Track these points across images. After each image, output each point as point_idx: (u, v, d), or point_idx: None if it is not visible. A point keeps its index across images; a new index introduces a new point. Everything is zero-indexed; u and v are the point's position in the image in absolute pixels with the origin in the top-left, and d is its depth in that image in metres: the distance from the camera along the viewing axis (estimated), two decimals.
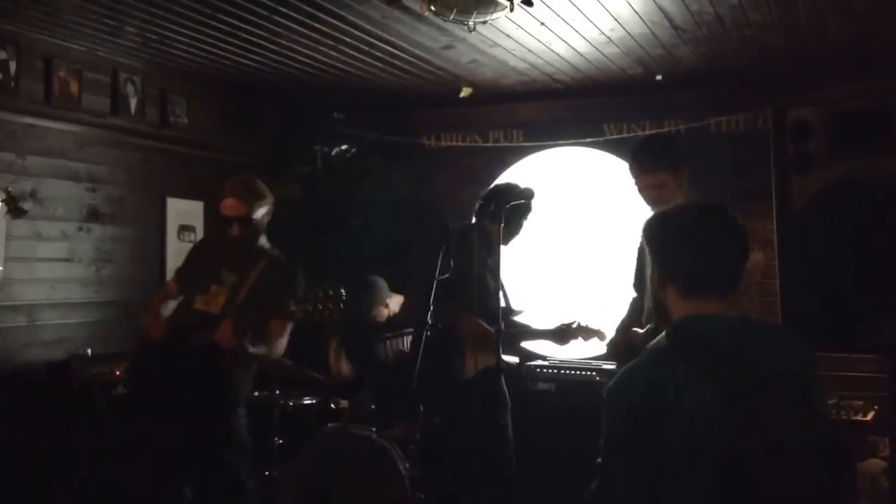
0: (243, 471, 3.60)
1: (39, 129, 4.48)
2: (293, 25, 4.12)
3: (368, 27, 4.17)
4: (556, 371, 5.03)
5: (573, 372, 5.07)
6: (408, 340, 4.96)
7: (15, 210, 4.16)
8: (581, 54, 4.73)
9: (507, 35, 4.32)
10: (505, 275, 3.99)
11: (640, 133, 5.55)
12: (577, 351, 4.59)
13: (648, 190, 3.23)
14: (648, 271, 3.01)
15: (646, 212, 3.17)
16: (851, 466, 3.98)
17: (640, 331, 3.47)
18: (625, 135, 5.59)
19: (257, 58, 4.74)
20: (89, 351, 4.48)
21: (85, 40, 4.50)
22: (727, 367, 1.65)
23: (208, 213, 5.40)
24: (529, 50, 4.62)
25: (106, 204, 4.87)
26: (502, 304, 4.21)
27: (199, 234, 5.39)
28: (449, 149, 6.23)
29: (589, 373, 4.92)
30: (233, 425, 3.56)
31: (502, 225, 3.75)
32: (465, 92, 5.45)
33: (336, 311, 3.33)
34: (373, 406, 4.37)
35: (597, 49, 4.61)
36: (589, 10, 3.91)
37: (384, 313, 5.05)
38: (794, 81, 4.93)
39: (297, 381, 4.65)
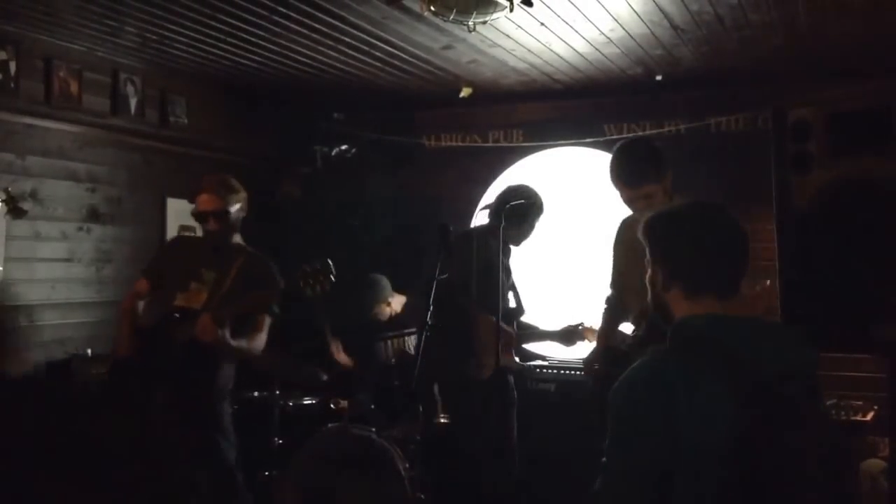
0: (232, 460, 3.62)
1: (39, 130, 4.48)
2: (293, 25, 4.12)
3: (368, 27, 4.17)
4: (555, 371, 5.03)
5: (573, 372, 5.07)
6: (408, 340, 4.97)
7: (15, 210, 4.15)
8: (581, 54, 4.73)
9: (507, 35, 4.32)
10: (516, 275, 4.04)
11: (640, 133, 5.55)
12: (578, 351, 4.59)
13: (636, 202, 3.20)
14: (640, 271, 2.96)
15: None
16: (854, 466, 3.99)
17: (625, 331, 3.47)
18: (625, 135, 5.59)
19: (257, 58, 4.75)
20: (89, 351, 4.48)
21: (85, 40, 4.50)
22: (735, 367, 1.65)
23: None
24: (529, 50, 4.62)
25: (106, 204, 4.87)
26: (512, 304, 4.25)
27: (199, 234, 5.39)
28: (449, 149, 6.23)
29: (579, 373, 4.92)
30: (221, 416, 3.60)
31: (502, 225, 3.76)
32: (465, 92, 5.45)
33: (327, 283, 3.37)
34: (373, 406, 4.37)
35: (597, 49, 4.61)
36: (589, 10, 3.91)
37: (386, 312, 5.05)
38: (794, 81, 4.93)
39: (296, 378, 4.65)
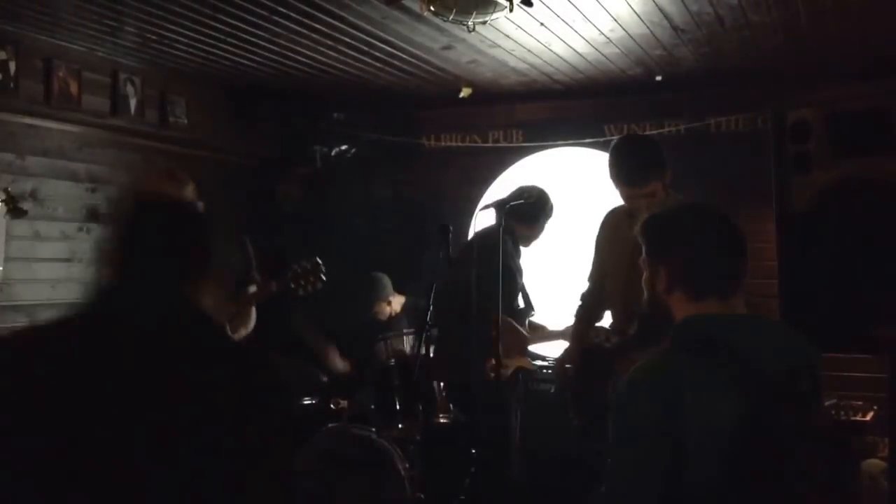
0: None
1: (39, 130, 4.48)
2: (293, 26, 4.12)
3: (368, 27, 4.17)
4: (548, 371, 5.02)
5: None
6: (407, 341, 4.97)
7: (15, 210, 4.15)
8: (581, 55, 4.73)
9: (507, 35, 4.32)
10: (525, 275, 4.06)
11: (640, 133, 5.55)
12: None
13: (637, 200, 3.15)
14: (626, 264, 2.92)
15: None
16: (856, 465, 3.99)
17: (604, 325, 3.42)
18: (615, 139, 5.59)
19: (257, 58, 4.74)
20: None
21: (85, 41, 4.50)
22: (741, 366, 1.65)
23: (208, 214, 5.38)
24: (529, 50, 4.62)
25: (106, 204, 4.87)
26: (521, 304, 4.27)
27: None
28: (448, 149, 6.23)
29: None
30: None
31: (502, 225, 3.76)
32: (465, 92, 5.45)
33: (318, 283, 3.34)
34: (373, 406, 4.37)
35: (596, 49, 4.61)
36: (588, 10, 3.91)
37: (386, 311, 5.05)
38: (794, 81, 4.93)
39: (295, 379, 4.65)
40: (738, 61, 4.79)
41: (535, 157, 5.92)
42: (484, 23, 3.42)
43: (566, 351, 3.68)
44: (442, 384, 4.13)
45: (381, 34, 4.29)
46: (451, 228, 3.63)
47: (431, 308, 3.56)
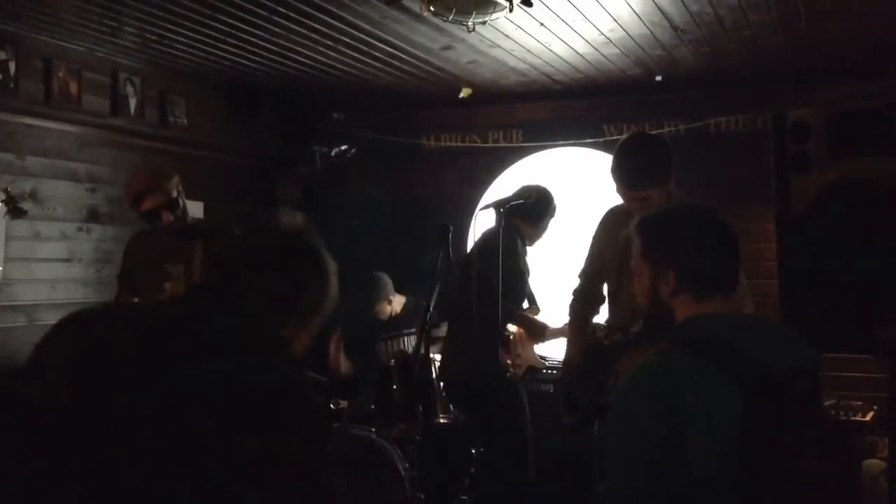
0: None
1: (39, 130, 4.48)
2: (292, 26, 4.12)
3: (368, 27, 4.17)
4: (555, 371, 5.02)
5: None
6: (407, 341, 4.97)
7: (14, 210, 4.15)
8: (580, 55, 4.73)
9: (507, 35, 4.32)
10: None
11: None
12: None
13: (632, 202, 3.09)
14: (621, 262, 2.89)
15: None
16: (856, 465, 3.99)
17: (600, 322, 3.41)
18: (625, 135, 5.59)
19: (257, 58, 4.74)
20: None
21: (84, 41, 4.50)
22: (742, 367, 1.65)
23: (208, 214, 5.39)
24: (529, 50, 4.62)
25: (105, 204, 4.87)
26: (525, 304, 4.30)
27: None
28: (448, 149, 6.23)
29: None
30: None
31: (502, 225, 3.77)
32: (465, 92, 5.45)
33: None
34: (373, 406, 4.37)
35: (596, 50, 4.61)
36: (588, 10, 3.91)
37: (387, 310, 5.06)
38: (793, 81, 4.93)
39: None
40: (738, 61, 4.79)
41: (534, 157, 5.93)
42: (484, 23, 3.42)
43: (570, 350, 3.64)
44: (442, 384, 4.13)
45: (381, 34, 4.29)
46: (451, 228, 3.62)
47: (432, 309, 3.55)
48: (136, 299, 3.67)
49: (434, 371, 4.17)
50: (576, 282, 3.59)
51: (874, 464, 4.11)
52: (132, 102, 4.99)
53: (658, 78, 5.13)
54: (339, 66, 4.91)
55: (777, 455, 1.65)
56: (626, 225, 2.89)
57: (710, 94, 5.38)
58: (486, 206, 3.87)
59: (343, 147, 5.92)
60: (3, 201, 4.05)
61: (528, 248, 4.33)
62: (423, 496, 3.81)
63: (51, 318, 4.49)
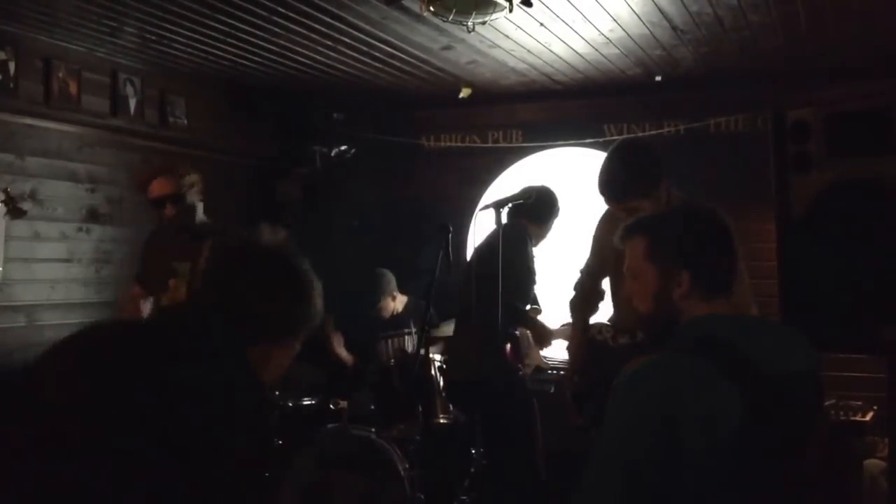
0: None
1: (39, 130, 4.48)
2: (292, 26, 4.12)
3: (367, 27, 4.17)
4: (554, 372, 5.03)
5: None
6: (408, 340, 4.98)
7: (14, 211, 4.14)
8: (580, 55, 4.73)
9: (507, 36, 4.32)
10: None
11: (639, 133, 5.56)
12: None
13: (621, 213, 3.06)
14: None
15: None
16: (856, 465, 3.99)
17: (604, 322, 3.40)
18: (624, 135, 5.60)
19: (256, 58, 4.74)
20: None
21: (84, 41, 4.50)
22: (743, 368, 1.64)
23: (208, 214, 5.38)
24: (529, 51, 4.62)
25: (105, 204, 4.87)
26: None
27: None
28: (448, 149, 6.23)
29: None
30: None
31: (501, 224, 3.77)
32: (465, 92, 5.45)
33: None
34: (372, 406, 4.37)
35: (596, 50, 4.61)
36: (588, 10, 3.91)
37: (390, 307, 5.06)
38: (793, 81, 4.94)
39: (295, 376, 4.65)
40: (737, 61, 4.79)
41: (534, 157, 5.93)
42: (483, 23, 3.42)
43: (577, 352, 3.63)
44: (442, 383, 4.13)
45: (381, 34, 4.29)
46: (450, 228, 3.63)
47: (432, 309, 3.56)
48: (150, 298, 3.66)
49: (434, 371, 4.17)
50: (578, 275, 3.58)
51: (874, 464, 4.11)
52: (132, 102, 4.99)
53: (658, 78, 5.13)
54: (339, 66, 4.91)
55: (777, 456, 1.64)
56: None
57: (710, 94, 5.38)
58: (486, 206, 3.88)
59: (343, 147, 5.92)
60: (2, 201, 4.05)
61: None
62: (422, 496, 3.81)
63: (50, 319, 4.50)
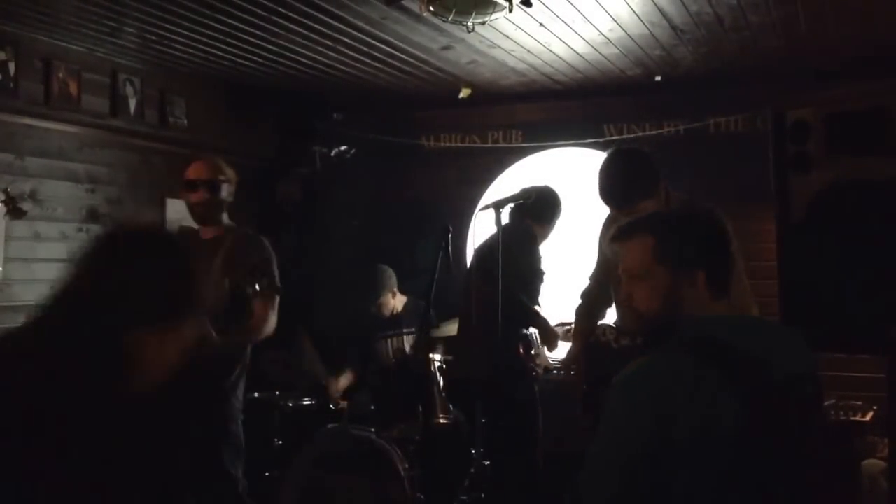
0: (237, 471, 3.47)
1: (39, 130, 4.48)
2: (292, 26, 4.12)
3: (367, 28, 4.17)
4: (554, 371, 5.02)
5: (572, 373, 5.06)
6: (407, 340, 4.98)
7: (14, 211, 4.15)
8: (580, 55, 4.73)
9: (506, 36, 4.32)
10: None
11: (639, 133, 5.56)
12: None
13: (627, 218, 3.08)
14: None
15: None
16: (856, 465, 3.99)
17: (609, 323, 3.41)
18: (624, 136, 5.60)
19: (256, 58, 4.75)
20: None
21: (84, 41, 4.50)
22: (743, 368, 1.64)
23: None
24: (528, 51, 4.62)
25: (105, 205, 4.87)
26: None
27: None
28: (448, 149, 6.23)
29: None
30: (229, 426, 3.42)
31: (502, 224, 3.78)
32: (465, 92, 5.45)
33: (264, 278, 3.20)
34: (372, 406, 4.37)
35: (596, 50, 4.61)
36: (588, 10, 3.91)
37: (391, 304, 5.06)
38: (793, 81, 4.94)
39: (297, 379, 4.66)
40: (737, 61, 4.80)
41: (534, 157, 5.92)
42: (483, 23, 3.42)
43: (570, 351, 3.67)
44: (442, 382, 4.13)
45: (381, 34, 4.29)
46: (450, 229, 3.63)
47: (431, 309, 3.57)
48: None
49: (434, 371, 4.17)
50: (586, 283, 3.61)
51: (874, 464, 4.11)
52: (132, 103, 4.99)
53: (658, 78, 5.13)
54: (338, 66, 4.91)
55: (776, 456, 1.64)
56: None
57: (710, 94, 5.38)
58: (486, 207, 3.88)
59: (343, 147, 5.92)
60: (2, 202, 4.06)
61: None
62: (422, 496, 3.81)
63: None
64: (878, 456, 4.16)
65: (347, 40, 4.38)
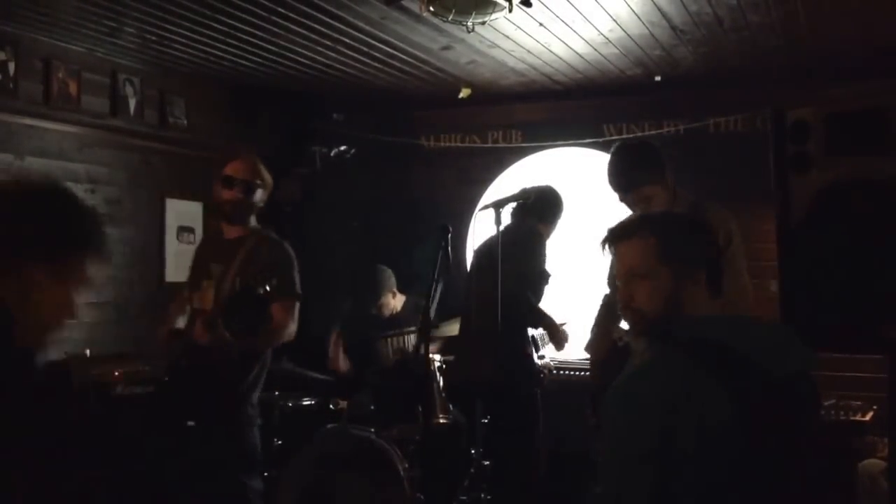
0: (251, 479, 3.41)
1: (38, 130, 4.47)
2: (292, 26, 4.12)
3: (367, 28, 4.17)
4: (554, 371, 5.03)
5: (571, 372, 5.07)
6: (407, 339, 4.97)
7: None
8: (580, 55, 4.73)
9: (506, 36, 4.32)
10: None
11: (639, 134, 5.55)
12: (577, 350, 4.59)
13: (636, 204, 3.14)
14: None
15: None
16: (856, 465, 3.99)
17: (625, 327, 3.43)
18: (624, 135, 5.60)
19: (256, 58, 4.75)
20: (87, 352, 4.47)
21: (84, 41, 4.50)
22: (740, 368, 1.64)
23: (207, 215, 5.39)
24: (528, 51, 4.62)
25: (105, 205, 4.86)
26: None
27: (199, 236, 5.38)
28: (448, 149, 6.23)
29: (588, 373, 4.91)
30: (244, 431, 3.35)
31: (502, 224, 3.78)
32: (464, 93, 5.45)
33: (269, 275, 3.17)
34: (372, 407, 4.37)
35: (595, 50, 4.61)
36: (588, 10, 3.91)
37: (391, 304, 5.07)
38: (793, 81, 4.94)
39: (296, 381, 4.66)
40: (737, 61, 4.80)
41: (534, 157, 5.92)
42: (483, 23, 3.42)
43: (592, 354, 3.63)
44: (442, 384, 4.13)
45: (381, 34, 4.29)
46: (450, 229, 3.63)
47: (432, 309, 3.56)
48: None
49: (434, 371, 4.17)
50: (607, 289, 3.62)
51: (874, 464, 4.10)
52: (132, 103, 4.98)
53: (657, 78, 5.13)
54: (338, 66, 4.91)
55: (774, 455, 1.64)
56: None
57: (710, 94, 5.38)
58: (486, 207, 3.88)
59: (343, 147, 5.91)
60: None
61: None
62: (422, 496, 3.81)
63: None
64: (878, 456, 4.16)
65: (347, 40, 4.38)
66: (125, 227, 4.99)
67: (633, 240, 1.84)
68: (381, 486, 3.81)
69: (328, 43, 4.43)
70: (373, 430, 3.98)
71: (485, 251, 4.05)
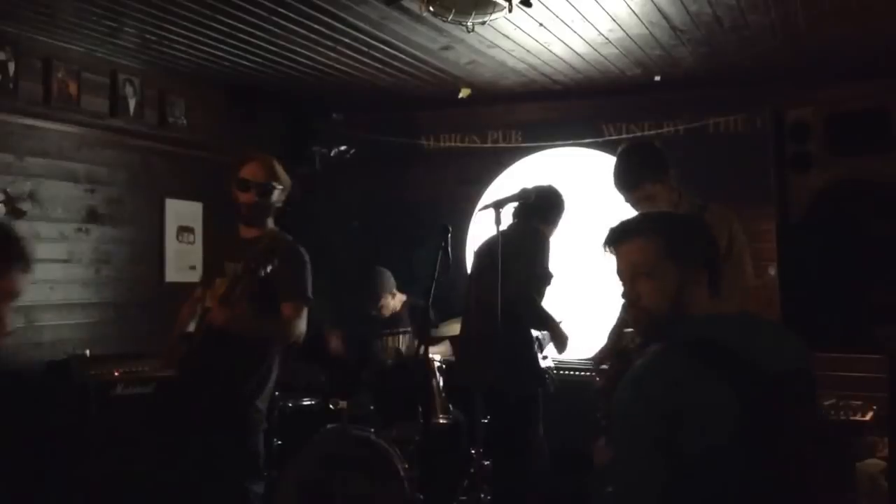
0: (253, 484, 3.37)
1: (38, 130, 4.47)
2: (292, 26, 4.12)
3: (367, 28, 4.17)
4: (554, 371, 5.02)
5: (571, 372, 5.07)
6: (404, 339, 4.98)
7: (13, 211, 4.15)
8: (580, 55, 4.73)
9: (506, 36, 4.32)
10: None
11: (638, 134, 5.56)
12: (577, 351, 4.59)
13: (640, 203, 3.16)
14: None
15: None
16: (856, 465, 4.00)
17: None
18: (624, 135, 5.60)
19: (256, 59, 4.75)
20: (88, 352, 4.47)
21: (84, 41, 4.49)
22: (739, 366, 1.65)
23: (207, 215, 5.40)
24: (528, 51, 4.62)
25: (105, 205, 4.87)
26: None
27: (198, 236, 5.38)
28: (448, 149, 6.23)
29: (588, 373, 4.92)
30: (249, 436, 3.32)
31: (500, 226, 3.78)
32: (464, 93, 5.45)
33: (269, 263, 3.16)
34: (372, 407, 4.37)
35: (595, 50, 4.62)
36: (587, 10, 3.91)
37: (390, 304, 5.07)
38: (792, 82, 4.93)
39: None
40: (736, 61, 4.79)
41: (534, 157, 5.92)
42: (483, 23, 3.42)
43: (602, 350, 3.62)
44: (442, 384, 4.13)
45: (381, 35, 4.29)
46: (450, 229, 3.63)
47: (431, 309, 3.56)
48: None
49: (434, 371, 4.17)
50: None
51: (874, 464, 4.11)
52: (131, 103, 4.98)
53: (657, 78, 5.13)
54: (339, 66, 4.91)
55: (774, 454, 1.65)
56: None
57: (710, 94, 5.38)
58: (486, 207, 3.88)
59: (343, 147, 5.91)
60: (2, 202, 4.06)
61: None
62: (422, 496, 3.81)
63: (50, 319, 4.50)
64: (877, 456, 4.17)
65: (347, 41, 4.38)
66: (125, 227, 5.00)
67: (637, 238, 1.84)
68: (381, 486, 3.81)
69: (328, 43, 4.43)
70: (373, 430, 3.98)
71: (485, 251, 4.05)
